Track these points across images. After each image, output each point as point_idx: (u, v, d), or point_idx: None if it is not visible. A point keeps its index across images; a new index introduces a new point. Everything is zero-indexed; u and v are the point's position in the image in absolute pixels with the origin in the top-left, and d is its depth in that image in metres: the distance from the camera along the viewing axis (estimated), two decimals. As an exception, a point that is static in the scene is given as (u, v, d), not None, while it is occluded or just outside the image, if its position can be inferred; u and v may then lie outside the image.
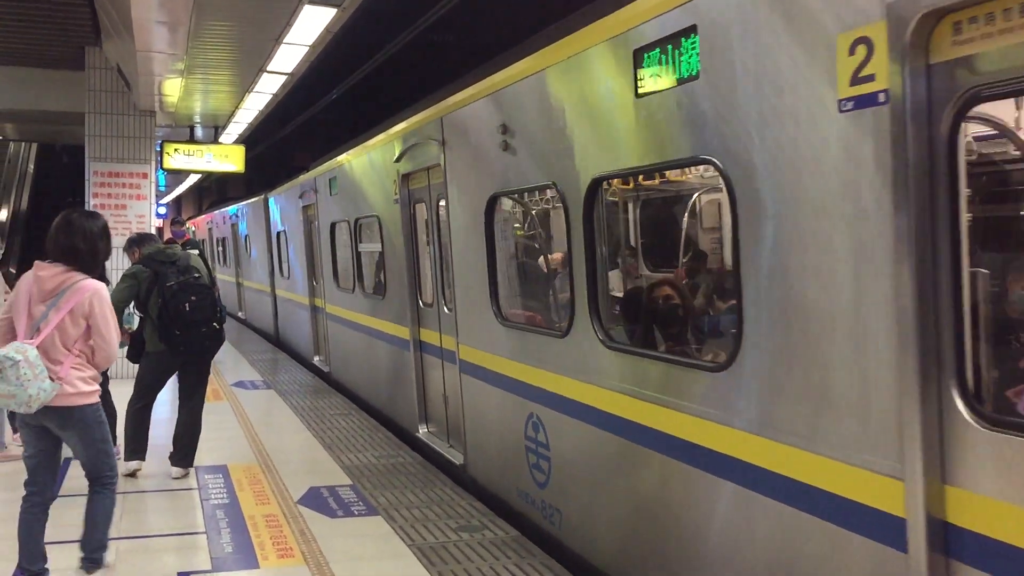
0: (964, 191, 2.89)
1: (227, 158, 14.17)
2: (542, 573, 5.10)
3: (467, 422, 7.08)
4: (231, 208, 22.23)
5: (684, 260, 5.92)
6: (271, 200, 16.42)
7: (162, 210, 31.97)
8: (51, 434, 4.85)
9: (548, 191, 5.77)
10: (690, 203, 6.07)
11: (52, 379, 4.64)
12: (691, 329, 4.81)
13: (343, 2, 7.63)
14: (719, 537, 3.98)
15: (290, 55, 9.46)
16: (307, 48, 9.13)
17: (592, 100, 4.88)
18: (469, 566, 5.21)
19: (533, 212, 6.44)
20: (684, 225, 5.17)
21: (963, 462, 2.86)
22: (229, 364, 13.45)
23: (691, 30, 3.96)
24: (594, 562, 5.19)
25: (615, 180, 5.21)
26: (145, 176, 12.73)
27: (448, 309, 7.40)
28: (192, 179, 27.72)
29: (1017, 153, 3.44)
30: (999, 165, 3.16)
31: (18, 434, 8.04)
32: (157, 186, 14.50)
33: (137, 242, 7.38)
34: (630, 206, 5.95)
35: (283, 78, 10.71)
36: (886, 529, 3.07)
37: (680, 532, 4.27)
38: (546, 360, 5.60)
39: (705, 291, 4.95)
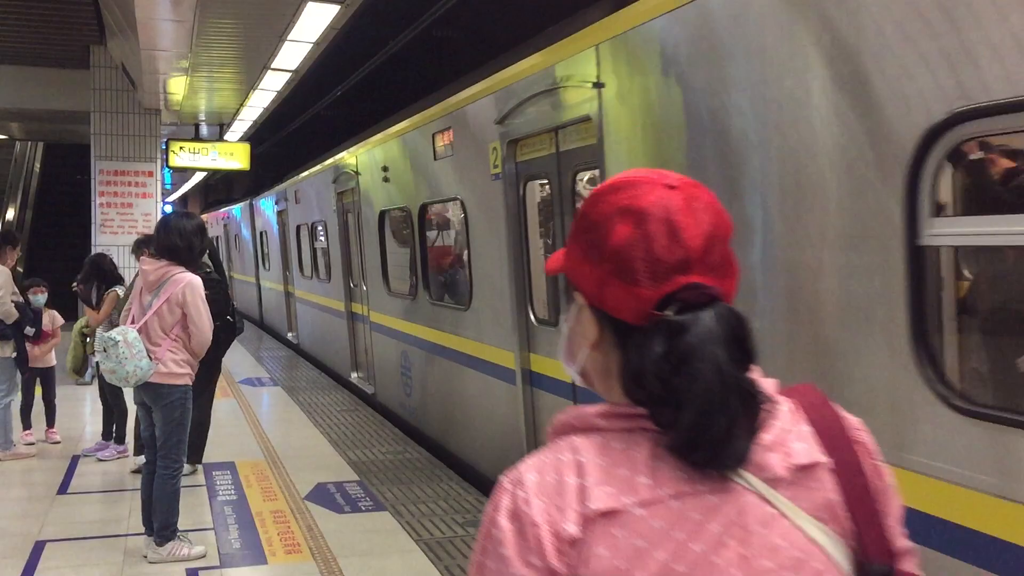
0: (532, 219, 6.20)
1: (232, 156, 14.18)
2: (549, 567, 5.12)
3: (375, 363, 10.33)
4: (231, 208, 24.04)
5: (456, 251, 8.83)
6: (255, 204, 19.26)
7: (168, 208, 31.99)
8: (147, 408, 5.41)
9: (404, 210, 8.79)
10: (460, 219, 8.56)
11: (151, 359, 5.21)
12: (461, 289, 7.91)
13: (346, -1, 7.63)
14: (467, 397, 7.42)
15: (294, 52, 9.48)
16: (311, 45, 9.14)
17: (419, 158, 8.20)
18: (476, 560, 5.22)
19: (405, 222, 9.27)
20: (459, 231, 8.20)
21: (536, 342, 6.09)
22: (236, 361, 13.49)
23: (449, 129, 7.28)
24: (430, 434, 8.41)
25: (432, 205, 8.33)
26: (151, 174, 12.77)
27: (365, 287, 10.50)
28: (198, 177, 27.74)
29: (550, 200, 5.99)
30: (546, 208, 6.19)
31: (27, 431, 8.08)
32: (163, 184, 14.54)
33: (145, 243, 7.39)
34: (437, 221, 9.01)
35: (287, 75, 10.72)
36: (509, 376, 6.38)
37: (457, 401, 7.68)
38: (409, 315, 8.83)
39: (465, 269, 7.66)
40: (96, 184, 12.53)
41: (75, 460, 7.66)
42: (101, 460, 7.58)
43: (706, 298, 1.08)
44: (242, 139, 15.63)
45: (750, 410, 1.07)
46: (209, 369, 7.21)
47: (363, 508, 6.24)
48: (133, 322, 5.35)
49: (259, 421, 9.19)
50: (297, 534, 5.68)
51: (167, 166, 13.99)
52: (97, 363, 7.35)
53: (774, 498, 1.07)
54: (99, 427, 8.00)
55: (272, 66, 10.17)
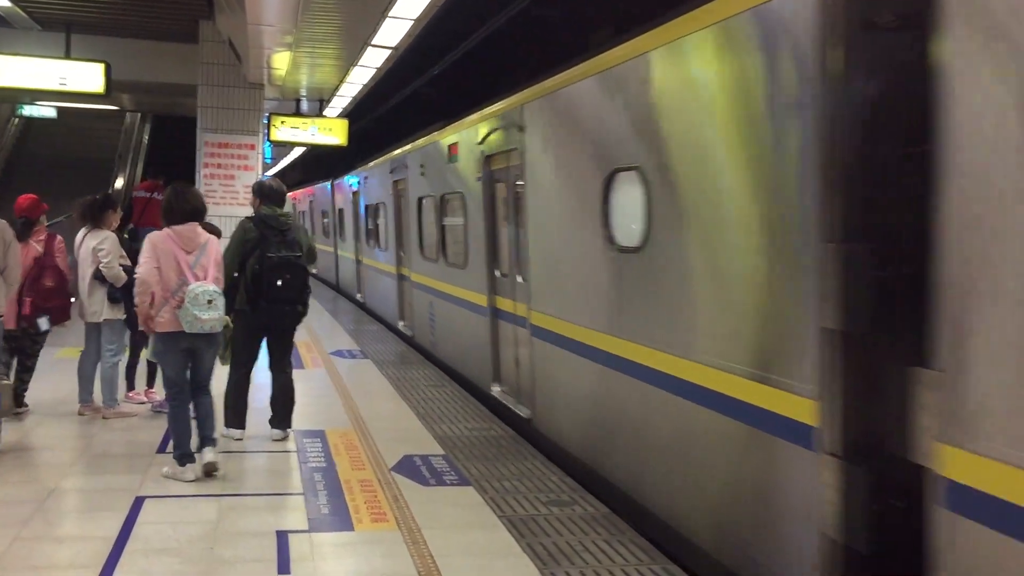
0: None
1: (331, 131, 14.41)
2: (631, 550, 5.09)
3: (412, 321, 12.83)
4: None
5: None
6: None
7: (267, 182, 32.59)
8: (188, 353, 6.27)
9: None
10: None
11: None
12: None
13: (448, -24, 7.64)
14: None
15: (395, 29, 9.55)
16: (412, 22, 9.20)
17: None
18: (559, 540, 5.23)
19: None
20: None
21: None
22: (327, 333, 13.77)
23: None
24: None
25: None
26: (253, 147, 13.08)
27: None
28: (296, 152, 28.30)
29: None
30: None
31: (133, 392, 8.40)
32: (264, 158, 14.87)
33: (258, 192, 7.30)
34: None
35: (387, 52, 10.82)
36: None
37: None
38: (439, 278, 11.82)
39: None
40: (201, 156, 12.90)
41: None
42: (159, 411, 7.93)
43: None
44: (341, 115, 15.87)
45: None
46: (280, 346, 7.32)
47: (448, 482, 6.31)
48: (189, 280, 6.09)
49: (348, 392, 9.37)
50: (383, 504, 5.78)
51: (268, 140, 14.30)
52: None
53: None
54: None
55: (373, 42, 10.27)
